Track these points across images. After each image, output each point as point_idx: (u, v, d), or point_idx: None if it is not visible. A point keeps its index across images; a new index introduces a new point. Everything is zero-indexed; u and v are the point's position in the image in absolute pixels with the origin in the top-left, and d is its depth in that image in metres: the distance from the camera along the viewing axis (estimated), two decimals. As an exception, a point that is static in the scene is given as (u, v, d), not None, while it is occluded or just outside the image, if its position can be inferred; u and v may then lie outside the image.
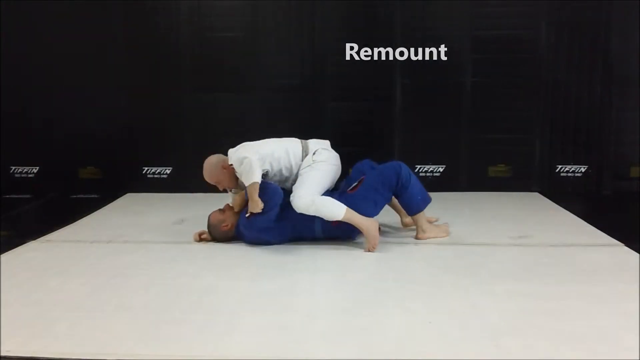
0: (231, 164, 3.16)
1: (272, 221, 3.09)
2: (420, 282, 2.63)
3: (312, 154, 3.24)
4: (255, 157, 3.07)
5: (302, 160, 3.24)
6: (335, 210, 3.05)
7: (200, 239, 3.31)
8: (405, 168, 3.13)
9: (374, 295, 2.48)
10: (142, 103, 4.77)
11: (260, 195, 3.01)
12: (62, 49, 4.70)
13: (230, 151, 3.25)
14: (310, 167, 3.19)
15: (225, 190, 3.37)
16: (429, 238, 3.22)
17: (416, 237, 3.24)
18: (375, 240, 3.07)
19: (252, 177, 3.02)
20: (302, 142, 3.32)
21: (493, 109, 4.63)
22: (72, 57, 4.71)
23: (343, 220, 3.05)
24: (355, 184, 3.17)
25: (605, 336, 2.04)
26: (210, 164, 3.24)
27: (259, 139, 3.36)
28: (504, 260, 2.90)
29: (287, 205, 3.13)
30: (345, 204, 3.07)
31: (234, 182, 3.25)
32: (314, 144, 3.33)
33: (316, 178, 3.14)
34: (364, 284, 2.62)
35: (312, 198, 3.05)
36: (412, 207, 3.18)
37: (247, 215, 3.10)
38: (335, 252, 3.06)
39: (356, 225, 3.06)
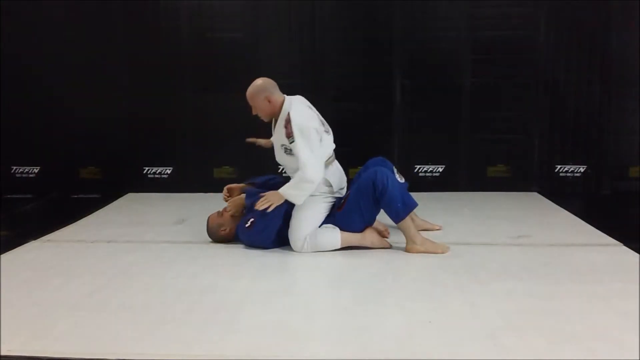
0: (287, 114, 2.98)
1: (272, 234, 3.10)
2: (420, 282, 2.64)
3: (322, 182, 3.08)
4: (319, 173, 2.96)
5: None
6: (332, 243, 3.07)
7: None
8: (381, 174, 2.98)
9: (374, 295, 2.48)
10: (142, 103, 4.77)
11: (261, 214, 3.04)
12: (62, 49, 4.71)
13: (296, 111, 2.99)
14: (306, 201, 3.06)
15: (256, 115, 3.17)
16: (419, 252, 3.00)
17: (405, 249, 3.05)
18: (375, 244, 3.12)
19: (298, 195, 2.98)
20: (329, 157, 3.15)
21: (493, 109, 4.63)
22: (72, 57, 4.71)
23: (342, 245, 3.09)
24: (343, 201, 3.15)
25: (605, 336, 2.04)
26: (257, 87, 3.05)
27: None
28: (503, 260, 2.91)
29: (287, 209, 3.15)
30: (336, 223, 3.09)
31: (268, 118, 3.11)
32: (331, 173, 3.14)
33: (311, 218, 3.07)
34: (364, 284, 2.63)
35: (303, 243, 3.04)
36: (392, 214, 3.00)
37: (247, 225, 3.10)
38: (335, 252, 3.06)
39: (354, 245, 3.10)
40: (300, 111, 3.02)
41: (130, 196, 4.69)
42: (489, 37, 4.56)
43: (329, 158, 3.17)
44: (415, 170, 4.70)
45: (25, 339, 2.09)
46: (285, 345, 2.02)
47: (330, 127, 4.67)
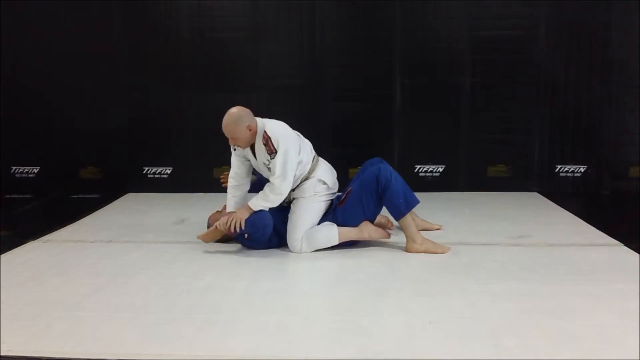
0: (267, 136, 2.93)
1: (267, 236, 3.07)
2: (420, 282, 2.64)
3: (315, 183, 3.10)
4: (288, 186, 2.97)
5: (302, 182, 3.09)
6: (329, 240, 3.07)
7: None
8: (384, 170, 3.01)
9: (374, 295, 2.48)
10: (142, 103, 4.78)
11: (248, 227, 2.98)
12: (62, 49, 4.71)
13: (271, 127, 2.97)
14: (302, 201, 3.09)
15: (233, 147, 3.13)
16: (418, 252, 3.00)
17: (405, 249, 3.05)
18: (374, 236, 3.13)
19: (265, 207, 2.98)
20: (313, 159, 3.14)
21: (493, 109, 4.64)
22: (72, 57, 4.71)
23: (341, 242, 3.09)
24: (344, 196, 3.15)
25: (605, 336, 2.04)
26: (237, 118, 2.92)
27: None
28: (503, 260, 2.90)
29: (284, 210, 3.15)
30: (336, 219, 3.10)
31: (247, 145, 3.03)
32: (321, 171, 3.15)
33: (307, 217, 3.07)
34: (364, 284, 2.62)
35: (300, 243, 3.03)
36: (394, 210, 3.01)
37: (245, 237, 3.06)
38: (335, 252, 3.06)
39: (353, 239, 3.11)
40: (274, 126, 2.99)
41: (130, 196, 4.69)
42: (489, 37, 4.56)
43: (313, 160, 3.16)
44: (415, 170, 4.70)
45: (25, 339, 2.08)
46: (285, 345, 2.02)
47: (330, 127, 4.74)
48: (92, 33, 4.71)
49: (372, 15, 4.63)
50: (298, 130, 3.16)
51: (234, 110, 2.96)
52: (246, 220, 2.97)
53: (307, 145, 3.16)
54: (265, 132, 2.95)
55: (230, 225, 2.98)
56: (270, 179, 2.97)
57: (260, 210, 3.00)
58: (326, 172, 3.19)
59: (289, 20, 4.67)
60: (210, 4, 4.69)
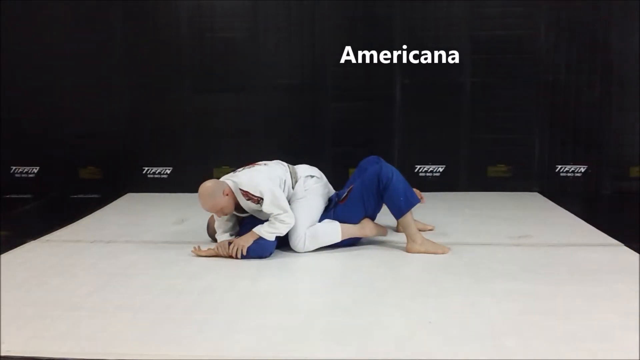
0: (246, 191, 2.93)
1: (270, 248, 3.04)
2: (420, 282, 2.64)
3: (303, 182, 3.13)
4: (289, 215, 2.95)
5: (293, 189, 3.11)
6: (332, 236, 3.07)
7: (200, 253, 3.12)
8: (386, 169, 3.03)
9: (374, 295, 2.48)
10: (142, 103, 4.78)
11: (251, 254, 2.96)
12: (62, 49, 4.70)
13: (245, 182, 2.95)
14: (299, 201, 3.08)
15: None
16: (419, 252, 3.01)
17: (406, 249, 3.06)
18: (374, 232, 3.17)
19: (271, 233, 2.95)
20: (289, 170, 3.18)
21: (493, 109, 4.63)
22: (72, 57, 4.71)
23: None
24: (345, 194, 3.16)
25: (605, 336, 2.04)
26: (212, 192, 2.91)
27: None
28: (503, 260, 2.90)
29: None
30: (337, 215, 3.11)
31: (234, 206, 3.02)
32: (303, 170, 3.22)
33: (307, 215, 3.07)
34: (364, 284, 2.62)
35: (303, 241, 3.03)
36: (394, 209, 3.03)
37: (243, 253, 3.00)
38: (335, 252, 3.07)
39: (355, 236, 3.12)
40: (246, 180, 2.96)
41: (129, 196, 4.69)
42: (489, 37, 4.55)
43: (289, 170, 3.16)
44: (415, 170, 4.70)
45: (25, 339, 2.09)
46: (285, 345, 2.02)
47: (331, 127, 4.73)
48: (92, 33, 4.71)
49: (372, 15, 4.62)
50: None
51: (208, 184, 2.94)
52: (249, 247, 2.96)
53: (276, 166, 3.15)
54: (241, 189, 2.93)
55: (232, 252, 2.97)
56: (272, 216, 2.96)
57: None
58: (307, 168, 3.24)
59: (289, 20, 4.66)
60: (210, 4, 4.68)
